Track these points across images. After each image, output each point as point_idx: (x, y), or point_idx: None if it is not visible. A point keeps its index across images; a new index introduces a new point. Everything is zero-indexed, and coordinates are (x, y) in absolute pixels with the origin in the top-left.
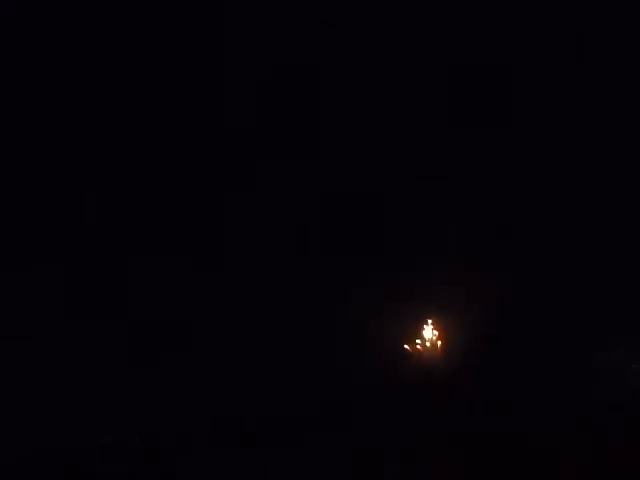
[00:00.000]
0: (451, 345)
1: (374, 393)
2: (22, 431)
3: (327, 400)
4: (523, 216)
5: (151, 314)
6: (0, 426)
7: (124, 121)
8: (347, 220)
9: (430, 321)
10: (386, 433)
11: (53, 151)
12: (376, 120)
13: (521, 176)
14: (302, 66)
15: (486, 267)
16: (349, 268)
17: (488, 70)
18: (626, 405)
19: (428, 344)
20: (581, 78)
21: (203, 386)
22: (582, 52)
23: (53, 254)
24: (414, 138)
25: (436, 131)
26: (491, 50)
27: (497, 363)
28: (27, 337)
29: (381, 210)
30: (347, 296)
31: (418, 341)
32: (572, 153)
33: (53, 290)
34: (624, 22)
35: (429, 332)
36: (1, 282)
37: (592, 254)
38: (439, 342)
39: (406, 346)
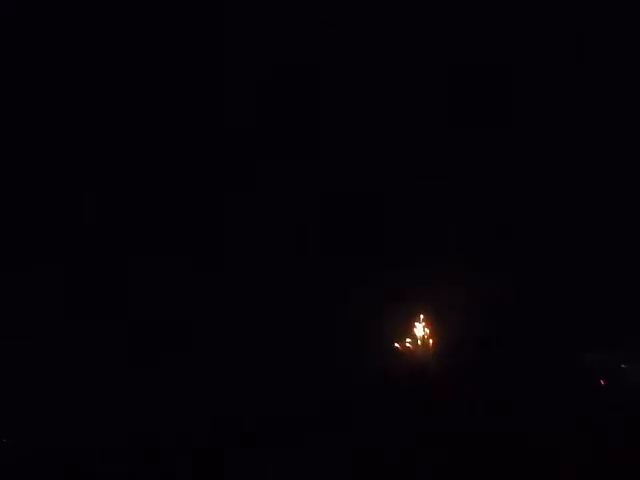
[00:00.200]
0: (443, 344)
1: (374, 393)
2: (22, 431)
3: (327, 400)
4: (523, 216)
5: (151, 314)
6: (0, 426)
7: (124, 121)
8: (347, 220)
9: (422, 317)
10: (386, 433)
11: (53, 151)
12: (376, 120)
13: (521, 176)
14: (302, 66)
15: (485, 267)
16: (349, 268)
17: (488, 70)
18: (626, 405)
19: (419, 342)
20: (581, 78)
21: (203, 386)
22: (582, 52)
23: (53, 254)
24: (414, 138)
25: (436, 131)
26: (491, 50)
27: (497, 363)
28: (27, 337)
29: (381, 210)
30: (347, 296)
31: (409, 340)
32: (572, 153)
33: (53, 290)
34: (624, 22)
35: (420, 330)
36: (1, 282)
37: (592, 254)
38: (430, 340)
39: (396, 344)
